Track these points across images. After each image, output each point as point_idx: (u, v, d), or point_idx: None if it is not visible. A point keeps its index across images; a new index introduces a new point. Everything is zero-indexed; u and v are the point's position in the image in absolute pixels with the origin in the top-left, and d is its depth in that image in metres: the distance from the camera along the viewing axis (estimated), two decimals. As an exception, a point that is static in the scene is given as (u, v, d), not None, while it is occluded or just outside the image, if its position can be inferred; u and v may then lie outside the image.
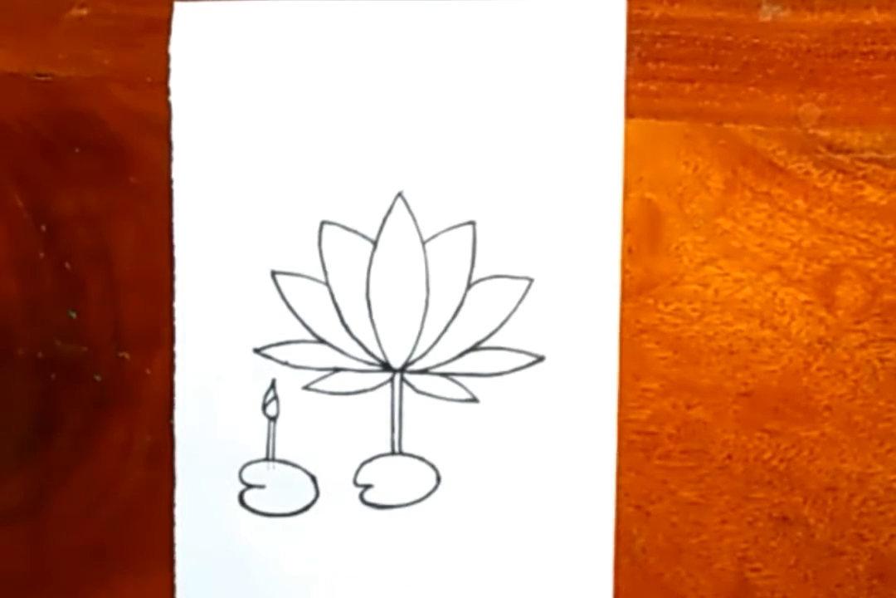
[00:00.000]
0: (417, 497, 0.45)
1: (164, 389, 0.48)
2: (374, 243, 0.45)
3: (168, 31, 0.46)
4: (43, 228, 0.50)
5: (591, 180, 0.42)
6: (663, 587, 0.42)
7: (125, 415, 0.47)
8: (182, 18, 0.46)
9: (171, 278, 0.47)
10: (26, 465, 0.46)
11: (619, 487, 0.42)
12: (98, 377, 0.49)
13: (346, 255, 0.45)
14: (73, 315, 0.49)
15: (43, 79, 0.49)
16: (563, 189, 0.42)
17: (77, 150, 0.49)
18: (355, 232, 0.45)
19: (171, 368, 0.48)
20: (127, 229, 0.48)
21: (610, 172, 0.42)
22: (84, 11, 0.48)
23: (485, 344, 0.44)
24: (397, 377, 0.45)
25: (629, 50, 0.41)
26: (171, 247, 0.47)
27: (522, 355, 0.43)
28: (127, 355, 0.49)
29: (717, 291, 0.41)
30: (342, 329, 0.45)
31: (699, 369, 0.41)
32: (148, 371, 0.48)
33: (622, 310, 0.42)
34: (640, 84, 0.41)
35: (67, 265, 0.49)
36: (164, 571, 0.47)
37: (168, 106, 0.47)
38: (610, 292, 0.42)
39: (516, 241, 0.43)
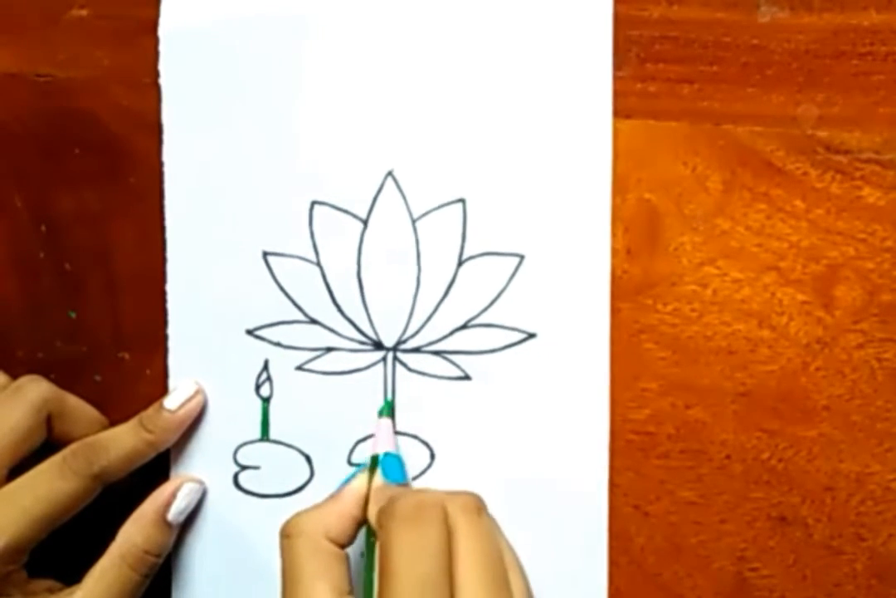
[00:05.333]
0: (412, 475, 0.45)
1: (163, 388, 0.48)
2: (365, 223, 0.45)
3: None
4: (43, 228, 0.50)
5: (581, 157, 0.42)
6: (662, 587, 0.43)
7: (125, 415, 0.47)
8: (171, 5, 0.46)
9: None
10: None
11: (617, 486, 0.43)
12: (98, 377, 0.49)
13: (337, 234, 0.45)
14: (73, 315, 0.50)
15: (43, 79, 0.49)
16: (553, 166, 0.42)
17: (77, 150, 0.49)
18: (346, 212, 0.45)
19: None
20: (126, 229, 0.49)
21: (598, 150, 0.42)
22: (84, 12, 0.48)
23: (476, 321, 0.44)
24: (390, 356, 0.45)
25: (628, 51, 0.41)
26: (170, 247, 0.47)
27: (514, 332, 0.43)
28: (127, 355, 0.49)
29: (715, 292, 0.41)
30: (334, 309, 0.45)
31: (698, 369, 0.42)
32: (148, 371, 0.48)
33: (621, 310, 0.42)
34: (639, 85, 0.41)
35: (67, 265, 0.49)
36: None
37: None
38: (600, 268, 0.42)
39: (506, 218, 0.43)
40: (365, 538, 0.42)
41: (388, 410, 0.44)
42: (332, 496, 0.43)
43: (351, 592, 0.40)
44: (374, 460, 0.43)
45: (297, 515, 0.41)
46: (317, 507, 0.42)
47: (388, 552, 0.38)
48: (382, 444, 0.44)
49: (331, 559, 0.40)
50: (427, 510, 0.39)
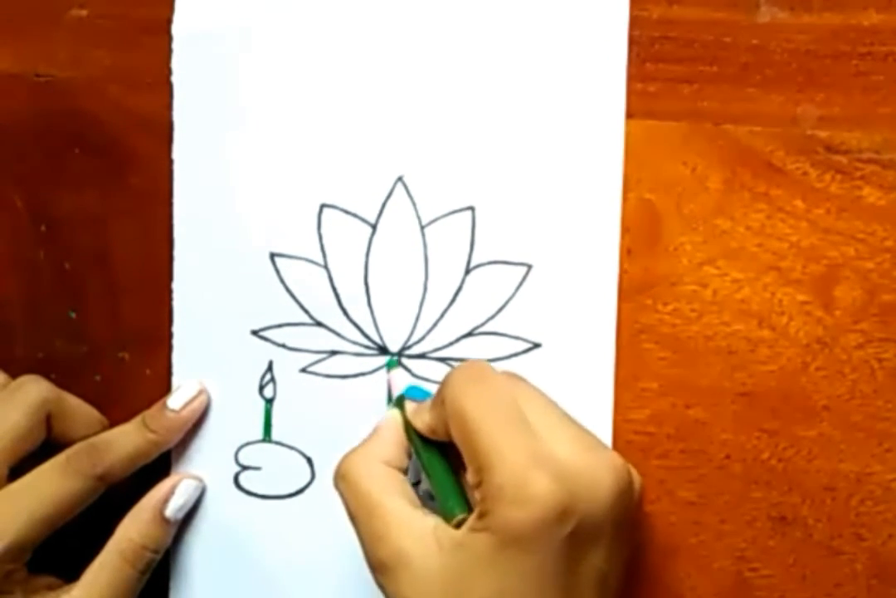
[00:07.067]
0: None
1: (164, 389, 0.48)
2: (374, 227, 0.45)
3: (168, 32, 0.46)
4: (43, 228, 0.50)
5: (591, 168, 0.42)
6: (662, 587, 0.43)
7: (125, 415, 0.47)
8: (185, 6, 0.46)
9: (171, 278, 0.47)
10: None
11: (617, 486, 0.43)
12: (98, 377, 0.49)
13: (345, 238, 0.45)
14: (73, 315, 0.50)
15: (43, 79, 0.49)
16: (564, 177, 0.42)
17: (77, 150, 0.49)
18: (355, 215, 0.45)
19: (170, 367, 0.48)
20: (127, 229, 0.49)
21: (609, 160, 0.42)
22: (84, 12, 0.48)
23: (482, 330, 0.44)
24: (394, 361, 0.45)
25: (628, 51, 0.41)
26: (170, 247, 0.47)
27: (519, 342, 0.43)
28: (127, 355, 0.49)
29: (715, 292, 0.41)
30: (340, 312, 0.45)
31: (698, 369, 0.42)
32: (148, 371, 0.48)
33: (621, 310, 0.42)
34: (639, 85, 0.41)
35: (67, 265, 0.49)
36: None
37: (168, 106, 0.47)
38: (608, 280, 0.42)
39: (515, 227, 0.43)
40: (415, 453, 0.42)
41: (395, 363, 0.45)
42: (370, 434, 0.43)
43: (422, 506, 0.40)
44: (399, 400, 0.43)
45: (344, 456, 0.41)
46: (359, 445, 0.42)
47: (465, 413, 0.38)
48: (399, 385, 0.44)
49: (393, 478, 0.41)
50: (485, 369, 0.40)
